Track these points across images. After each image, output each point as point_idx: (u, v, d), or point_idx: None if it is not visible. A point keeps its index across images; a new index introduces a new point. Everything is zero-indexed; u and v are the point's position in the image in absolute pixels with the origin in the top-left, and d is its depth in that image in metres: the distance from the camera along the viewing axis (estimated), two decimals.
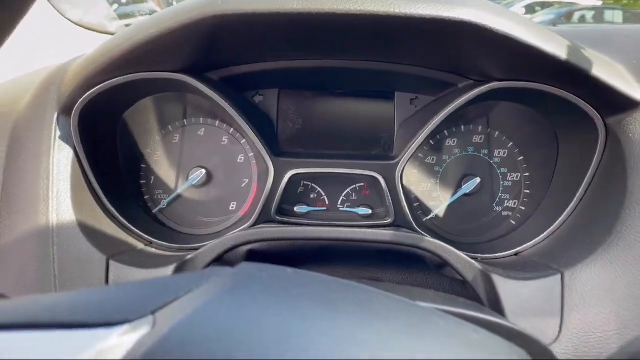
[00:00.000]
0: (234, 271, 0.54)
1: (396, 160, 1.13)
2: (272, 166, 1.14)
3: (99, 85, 0.99)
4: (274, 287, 0.51)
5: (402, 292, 0.73)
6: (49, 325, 0.40)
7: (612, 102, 0.95)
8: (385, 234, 1.02)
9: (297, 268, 0.56)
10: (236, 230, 1.12)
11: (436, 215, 1.26)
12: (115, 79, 0.99)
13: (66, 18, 1.81)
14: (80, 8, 1.94)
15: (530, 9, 14.14)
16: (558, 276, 0.91)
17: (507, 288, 0.93)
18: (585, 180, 1.03)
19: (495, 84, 1.01)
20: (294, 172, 1.15)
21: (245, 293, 0.48)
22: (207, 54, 1.00)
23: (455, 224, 1.26)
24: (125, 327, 0.42)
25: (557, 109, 1.05)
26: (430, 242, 1.01)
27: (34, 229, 0.93)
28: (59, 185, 0.98)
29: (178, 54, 0.96)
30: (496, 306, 0.93)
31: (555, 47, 0.87)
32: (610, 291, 0.86)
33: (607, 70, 0.92)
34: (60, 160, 1.01)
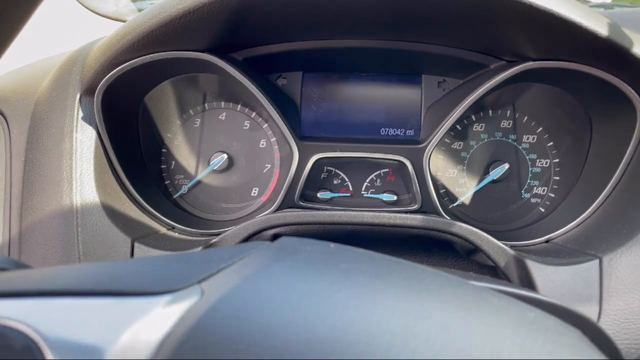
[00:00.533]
0: (277, 244, 0.52)
1: (424, 144, 1.10)
2: (297, 150, 1.11)
3: (124, 65, 0.97)
4: (320, 260, 0.49)
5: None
6: (97, 293, 0.38)
7: None
8: (415, 219, 1.00)
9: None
10: (260, 215, 1.10)
11: (463, 203, 1.23)
12: (141, 57, 0.97)
13: (99, 14, 1.80)
14: (110, 2, 1.93)
15: None
16: (596, 262, 0.88)
17: (543, 274, 0.90)
18: (622, 162, 1.00)
19: (530, 64, 0.98)
20: (319, 157, 1.13)
21: (292, 265, 0.46)
22: (233, 33, 0.98)
23: (483, 212, 1.23)
24: (172, 296, 0.40)
25: (592, 91, 1.02)
26: (462, 228, 0.98)
27: (58, 210, 0.92)
28: (82, 167, 0.96)
29: (205, 32, 0.94)
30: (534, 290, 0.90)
31: (597, 24, 0.84)
32: None
33: None
34: (84, 142, 0.99)
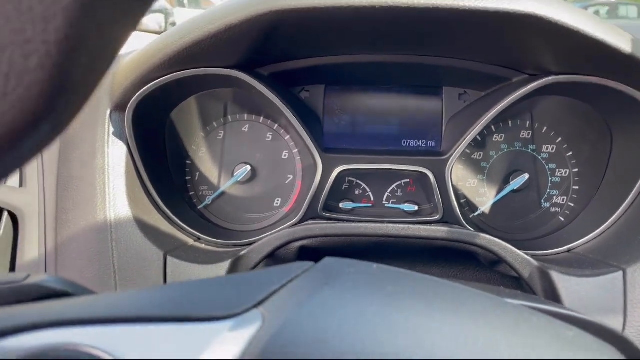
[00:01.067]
0: (321, 266, 0.54)
1: (447, 156, 1.12)
2: (320, 162, 1.13)
3: (154, 82, 1.00)
4: (367, 283, 0.51)
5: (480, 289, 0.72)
6: (165, 319, 0.41)
7: None
8: (440, 231, 1.02)
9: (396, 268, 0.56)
10: (284, 226, 1.12)
11: (483, 212, 1.25)
12: (170, 75, 1.00)
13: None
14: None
15: None
16: (620, 273, 0.90)
17: (567, 285, 0.92)
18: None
19: (552, 79, 0.99)
20: (343, 169, 1.15)
21: (343, 289, 0.48)
22: (261, 51, 1.00)
23: (503, 221, 1.25)
24: (234, 321, 0.42)
25: (614, 104, 1.04)
26: (485, 239, 1.00)
27: (93, 225, 0.94)
28: (115, 182, 0.99)
29: (234, 50, 0.96)
30: (557, 303, 0.91)
31: (619, 40, 0.85)
32: None
33: None
34: (115, 157, 1.01)
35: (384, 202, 1.25)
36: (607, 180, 1.13)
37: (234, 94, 1.21)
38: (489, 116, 1.06)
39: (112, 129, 1.03)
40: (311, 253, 1.11)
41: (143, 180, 1.07)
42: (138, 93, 1.00)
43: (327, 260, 0.56)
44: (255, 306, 0.45)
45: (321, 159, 1.14)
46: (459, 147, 1.10)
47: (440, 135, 1.23)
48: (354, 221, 1.10)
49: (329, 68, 1.14)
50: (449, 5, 0.81)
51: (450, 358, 0.40)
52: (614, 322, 0.86)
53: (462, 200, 1.25)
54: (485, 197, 1.25)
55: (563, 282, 0.92)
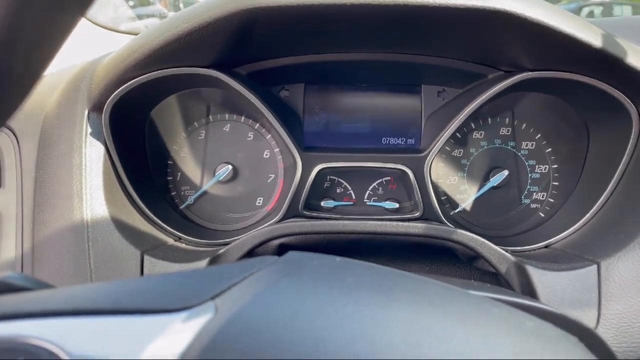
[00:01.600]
0: (284, 260, 0.54)
1: (425, 153, 1.13)
2: (300, 160, 1.14)
3: (130, 82, 1.00)
4: (327, 274, 0.51)
5: (447, 283, 0.73)
6: (117, 312, 0.41)
7: None
8: (417, 227, 1.02)
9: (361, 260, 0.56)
10: (265, 225, 1.12)
11: (464, 209, 1.26)
12: (147, 74, 1.00)
13: (95, 23, 1.83)
14: (107, 12, 1.96)
15: None
16: (594, 267, 0.90)
17: (543, 279, 0.92)
18: (618, 170, 1.02)
19: (527, 75, 1.00)
20: (322, 167, 1.15)
21: (300, 280, 0.48)
22: (237, 49, 1.00)
23: (484, 218, 1.26)
24: (188, 312, 0.42)
25: (588, 99, 1.04)
26: (463, 235, 1.00)
27: (70, 225, 0.94)
28: (92, 181, 0.99)
29: (210, 48, 0.96)
30: (532, 297, 0.92)
31: (590, 35, 0.86)
32: None
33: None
34: (92, 157, 1.01)
35: (365, 200, 1.26)
36: (585, 175, 1.14)
37: (216, 94, 1.21)
38: (465, 112, 1.06)
39: (89, 129, 1.03)
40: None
41: (122, 180, 1.07)
42: (114, 93, 1.00)
43: (291, 254, 0.56)
44: (212, 298, 0.45)
45: (300, 157, 1.14)
46: (437, 143, 1.11)
47: (419, 132, 1.24)
48: (334, 219, 1.10)
49: (308, 67, 1.14)
50: (420, 2, 0.81)
51: (401, 347, 0.41)
52: (588, 316, 0.87)
53: (443, 198, 1.26)
54: (465, 194, 1.26)
55: (539, 276, 0.92)
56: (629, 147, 1.00)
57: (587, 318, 0.87)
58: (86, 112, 1.04)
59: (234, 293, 0.46)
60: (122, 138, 1.08)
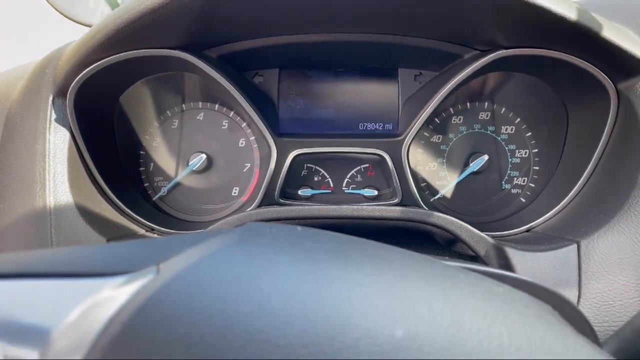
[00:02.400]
0: (242, 228, 0.51)
1: (402, 137, 1.10)
2: (275, 147, 1.11)
3: (94, 65, 0.96)
4: (284, 240, 0.48)
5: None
6: (50, 275, 0.38)
7: (624, 66, 0.92)
8: (394, 211, 0.99)
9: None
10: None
11: (444, 196, 1.23)
12: (111, 57, 0.97)
13: (68, 17, 1.79)
14: (80, 6, 1.91)
15: None
16: (574, 246, 0.88)
17: (522, 260, 0.90)
18: (598, 149, 1.00)
19: (502, 52, 0.98)
20: (298, 153, 1.12)
21: (254, 245, 0.45)
22: (204, 29, 0.97)
23: (465, 204, 1.23)
24: (127, 276, 0.39)
25: (566, 77, 1.02)
26: (441, 217, 0.98)
27: (31, 212, 0.90)
28: (55, 168, 0.95)
29: (174, 29, 0.93)
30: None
31: (564, 8, 0.84)
32: (628, 258, 0.83)
33: (617, 33, 0.89)
34: (57, 143, 0.98)
35: (343, 188, 1.23)
36: (565, 158, 1.12)
37: (191, 82, 1.18)
38: (441, 94, 1.04)
39: (54, 115, 0.99)
40: None
41: (88, 167, 1.03)
42: (79, 77, 0.97)
43: (250, 224, 0.53)
44: (157, 263, 0.42)
45: (275, 144, 1.11)
46: (413, 127, 1.08)
47: (397, 117, 1.22)
48: (309, 205, 1.07)
49: (282, 50, 1.11)
50: None
51: (356, 308, 0.38)
52: (569, 295, 0.84)
53: (423, 184, 1.23)
54: (445, 180, 1.24)
55: (517, 257, 0.90)
56: (607, 125, 0.98)
57: (569, 297, 0.85)
58: (51, 98, 1.00)
59: (180, 258, 0.43)
60: (89, 124, 1.04)
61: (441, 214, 0.98)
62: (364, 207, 0.99)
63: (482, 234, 0.96)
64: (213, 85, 1.06)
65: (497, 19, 0.91)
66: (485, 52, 1.02)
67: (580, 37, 0.88)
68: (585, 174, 1.02)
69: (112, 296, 0.36)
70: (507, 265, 0.91)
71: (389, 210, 0.99)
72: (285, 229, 0.53)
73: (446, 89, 1.03)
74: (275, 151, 1.11)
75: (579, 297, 0.84)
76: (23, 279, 0.38)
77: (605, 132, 0.99)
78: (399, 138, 1.10)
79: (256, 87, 1.21)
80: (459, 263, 0.60)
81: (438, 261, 0.53)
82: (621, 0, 1.07)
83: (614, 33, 0.89)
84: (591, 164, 1.01)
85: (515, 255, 0.91)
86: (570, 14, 0.85)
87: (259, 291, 0.37)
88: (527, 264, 0.89)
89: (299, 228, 0.54)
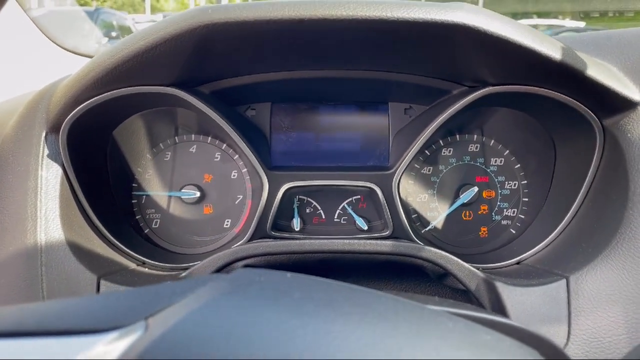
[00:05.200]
0: (232, 276, 0.52)
1: (392, 170, 1.12)
2: (266, 180, 1.12)
3: (88, 102, 0.97)
4: (273, 290, 0.48)
5: (407, 298, 0.70)
6: (42, 333, 0.38)
7: (609, 103, 0.94)
8: (384, 245, 1.00)
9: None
10: (234, 246, 1.09)
11: (435, 227, 1.24)
12: (105, 94, 0.98)
13: (62, 47, 1.81)
14: (75, 37, 1.94)
15: None
16: (563, 282, 0.89)
17: (512, 296, 0.90)
18: (585, 184, 1.02)
19: (490, 89, 1.00)
20: (289, 186, 1.13)
21: (243, 296, 0.46)
22: (198, 67, 0.99)
23: (455, 235, 1.24)
24: (117, 333, 0.39)
25: (553, 113, 1.05)
26: (431, 252, 0.98)
27: (22, 249, 0.90)
28: (47, 204, 0.95)
29: (168, 67, 0.94)
30: (502, 314, 0.90)
31: (549, 48, 0.86)
32: (617, 294, 0.84)
33: (602, 71, 0.92)
34: (49, 179, 0.98)
35: (335, 220, 1.24)
36: (553, 191, 1.14)
37: (184, 115, 1.19)
38: (431, 128, 1.06)
39: (46, 151, 1.00)
40: None
41: (80, 203, 1.03)
42: (72, 113, 0.98)
43: (240, 271, 0.54)
44: (147, 318, 0.42)
45: (267, 177, 1.12)
46: (403, 160, 1.10)
47: (387, 150, 1.23)
48: (301, 239, 1.08)
49: (273, 85, 1.13)
50: (376, 16, 0.80)
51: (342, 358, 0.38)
52: (558, 332, 0.85)
53: (414, 216, 1.24)
54: (436, 212, 1.25)
55: (508, 292, 0.91)
56: (594, 160, 1.00)
57: (557, 334, 0.85)
58: (43, 134, 1.01)
59: (170, 311, 0.43)
60: (81, 159, 1.04)
61: (432, 248, 0.99)
62: (355, 241, 1.00)
63: (473, 269, 0.96)
64: (205, 119, 1.07)
65: (482, 58, 0.93)
66: (473, 89, 1.04)
67: (566, 76, 0.90)
68: (573, 207, 1.04)
69: (104, 352, 0.37)
70: (497, 300, 0.91)
71: (380, 245, 1.00)
72: (275, 276, 0.53)
73: (435, 124, 1.05)
74: (267, 184, 1.12)
75: (568, 333, 0.84)
76: (13, 338, 0.38)
77: (592, 167, 1.00)
78: (390, 171, 1.12)
79: (248, 121, 1.23)
80: (448, 306, 0.61)
81: (427, 309, 0.53)
82: (604, 36, 1.10)
83: (598, 71, 0.91)
84: (579, 198, 1.03)
85: (505, 290, 0.91)
86: (555, 53, 0.87)
87: (247, 348, 0.37)
88: (517, 299, 0.90)
89: (289, 274, 0.54)
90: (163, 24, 0.86)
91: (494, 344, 0.50)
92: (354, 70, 1.10)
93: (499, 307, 0.91)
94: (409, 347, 0.42)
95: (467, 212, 1.24)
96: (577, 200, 1.03)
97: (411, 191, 1.24)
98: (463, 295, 1.07)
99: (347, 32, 0.85)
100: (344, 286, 0.54)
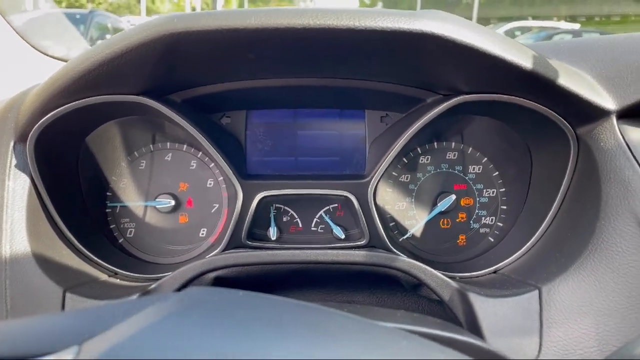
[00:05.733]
0: (180, 296, 0.50)
1: (368, 178, 1.10)
2: (240, 189, 1.10)
3: (55, 111, 0.96)
4: (219, 311, 0.47)
5: (367, 313, 0.69)
6: None
7: (582, 112, 0.93)
8: (357, 255, 0.99)
9: (265, 293, 0.53)
10: (208, 257, 1.07)
11: (413, 235, 1.23)
12: (72, 103, 0.96)
13: (48, 55, 1.79)
14: (62, 45, 1.92)
15: (510, 33, 14.39)
16: (536, 292, 0.88)
17: (485, 306, 0.89)
18: (560, 193, 1.01)
19: (463, 98, 0.99)
20: (264, 195, 1.12)
21: (184, 319, 0.44)
22: (167, 75, 0.97)
23: (433, 244, 1.23)
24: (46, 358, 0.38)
25: (528, 122, 1.04)
26: (405, 262, 0.97)
27: None
28: (13, 215, 0.94)
29: (135, 75, 0.93)
30: (474, 325, 0.89)
31: (519, 56, 0.85)
32: (589, 305, 0.83)
33: (574, 80, 0.91)
34: (16, 190, 0.96)
35: (312, 228, 1.22)
36: (530, 200, 1.13)
37: (159, 123, 1.18)
38: (405, 137, 1.05)
39: (14, 161, 0.98)
40: (228, 284, 1.06)
41: (49, 213, 1.01)
42: (39, 122, 0.96)
43: (191, 290, 0.52)
44: (81, 342, 0.41)
45: (241, 186, 1.11)
46: (379, 168, 1.09)
47: (364, 158, 1.22)
48: (277, 249, 1.07)
49: (248, 93, 1.12)
50: (343, 25, 0.79)
51: None
52: (530, 343, 0.84)
53: (391, 224, 1.23)
54: (414, 220, 1.24)
55: (480, 303, 0.90)
56: (568, 169, 0.99)
57: (529, 345, 0.84)
58: (12, 143, 0.99)
59: (106, 335, 0.41)
60: (52, 168, 1.03)
61: (405, 258, 0.98)
62: (327, 251, 0.99)
63: (446, 279, 0.95)
64: (177, 128, 1.06)
65: (453, 66, 0.92)
66: (447, 97, 1.03)
67: (537, 84, 0.90)
68: (548, 217, 1.03)
69: None
70: (469, 311, 0.90)
71: (353, 255, 0.99)
72: (225, 294, 0.52)
73: (409, 132, 1.04)
74: (242, 193, 1.11)
75: (540, 345, 0.83)
76: None
77: (566, 176, 1.00)
78: (365, 180, 1.11)
79: (224, 129, 1.21)
80: (403, 323, 0.59)
81: (380, 326, 0.52)
82: (580, 44, 1.10)
83: (570, 79, 0.90)
84: (554, 207, 1.02)
85: (477, 301, 0.90)
86: (525, 61, 0.86)
87: None
88: (490, 310, 0.89)
89: (241, 293, 0.53)
90: (129, 32, 0.85)
91: None
92: (327, 78, 1.08)
93: (472, 318, 0.90)
94: None
95: (445, 220, 1.23)
96: (552, 209, 1.02)
97: (389, 199, 1.23)
98: (438, 305, 1.06)
99: (316, 41, 0.84)
100: (296, 304, 0.53)
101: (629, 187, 0.85)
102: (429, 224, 1.23)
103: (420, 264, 0.97)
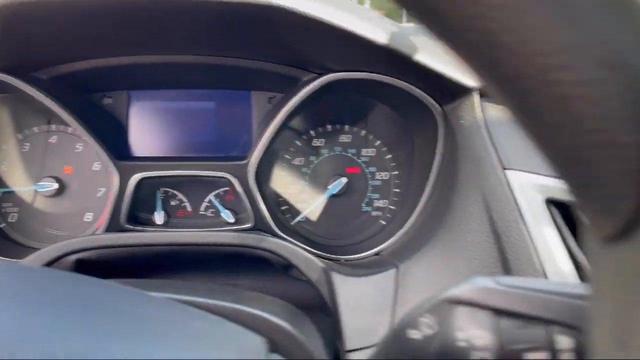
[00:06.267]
0: None
1: (247, 160, 1.08)
2: (116, 170, 1.07)
3: None
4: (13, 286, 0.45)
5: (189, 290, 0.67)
6: None
7: (445, 89, 0.93)
8: (225, 237, 0.97)
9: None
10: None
11: (307, 219, 1.22)
12: None
13: None
14: None
15: None
16: (393, 271, 0.87)
17: (345, 285, 0.89)
18: (432, 173, 1.00)
19: (331, 76, 0.98)
20: (143, 176, 1.09)
21: None
22: (23, 50, 0.94)
23: (326, 227, 1.22)
24: None
25: (401, 102, 1.03)
26: (272, 242, 0.96)
27: None
28: None
29: None
30: (334, 304, 0.88)
31: (372, 31, 0.84)
32: (437, 283, 0.82)
33: (435, 57, 0.90)
34: None
35: (201, 212, 1.20)
36: (413, 180, 1.12)
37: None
38: (278, 117, 1.03)
39: None
40: (91, 266, 1.03)
41: None
42: None
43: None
44: None
45: (116, 166, 1.07)
46: (255, 150, 1.07)
47: (249, 140, 1.20)
48: (160, 232, 1.04)
49: (126, 70, 1.08)
50: None
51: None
52: (381, 321, 0.83)
53: (284, 207, 1.21)
54: (306, 203, 1.22)
55: (340, 281, 0.89)
56: (437, 147, 0.99)
57: (382, 324, 0.83)
58: None
59: None
60: None
61: (273, 239, 0.96)
62: (191, 233, 0.96)
63: (313, 259, 0.94)
64: (42, 107, 1.02)
65: (320, 44, 0.90)
66: (319, 75, 1.01)
67: (395, 61, 0.88)
68: (422, 198, 1.02)
69: None
70: (331, 290, 0.89)
71: (220, 236, 0.97)
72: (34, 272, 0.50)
73: (283, 112, 1.02)
74: (118, 175, 1.08)
75: (391, 323, 0.83)
76: None
77: (436, 155, 0.99)
78: (244, 161, 1.08)
79: (103, 109, 1.18)
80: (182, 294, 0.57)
81: (151, 297, 0.50)
82: None
83: (430, 56, 0.89)
84: (427, 188, 1.02)
85: (338, 280, 0.89)
86: (379, 37, 0.84)
87: None
88: (349, 288, 0.88)
89: (56, 271, 0.51)
90: None
91: (208, 331, 0.47)
92: (209, 56, 1.06)
93: (333, 297, 0.89)
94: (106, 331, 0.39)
95: (338, 204, 1.22)
96: (426, 190, 1.02)
97: (282, 183, 1.22)
98: (308, 286, 1.04)
99: (157, 12, 0.82)
100: (64, 275, 0.51)
101: (480, 165, 0.84)
102: (321, 208, 1.21)
103: (288, 244, 0.95)
